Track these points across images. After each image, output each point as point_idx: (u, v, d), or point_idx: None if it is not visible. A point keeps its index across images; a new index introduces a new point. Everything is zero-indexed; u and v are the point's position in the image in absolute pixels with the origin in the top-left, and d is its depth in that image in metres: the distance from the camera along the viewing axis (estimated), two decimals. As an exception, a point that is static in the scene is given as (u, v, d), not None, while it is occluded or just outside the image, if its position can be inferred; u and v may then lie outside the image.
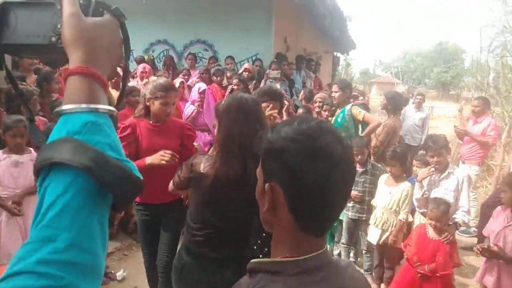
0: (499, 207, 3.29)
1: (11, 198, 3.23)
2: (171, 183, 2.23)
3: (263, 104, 2.77)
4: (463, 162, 5.79)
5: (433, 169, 3.48)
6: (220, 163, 1.89)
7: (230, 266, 2.01)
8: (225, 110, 1.95)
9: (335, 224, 4.51)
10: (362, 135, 4.62)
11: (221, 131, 1.94)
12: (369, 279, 4.06)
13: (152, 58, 7.32)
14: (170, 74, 7.11)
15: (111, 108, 0.62)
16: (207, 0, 7.55)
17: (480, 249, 3.04)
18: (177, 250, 2.27)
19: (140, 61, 7.18)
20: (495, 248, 2.97)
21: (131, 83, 6.27)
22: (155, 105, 2.68)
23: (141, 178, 0.60)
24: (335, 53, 16.05)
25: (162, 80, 2.80)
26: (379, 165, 4.21)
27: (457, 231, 5.03)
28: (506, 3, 9.96)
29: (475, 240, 4.55)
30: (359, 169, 4.09)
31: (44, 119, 4.01)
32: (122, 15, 0.71)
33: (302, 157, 0.82)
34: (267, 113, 2.69)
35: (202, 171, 1.96)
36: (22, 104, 3.42)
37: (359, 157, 4.04)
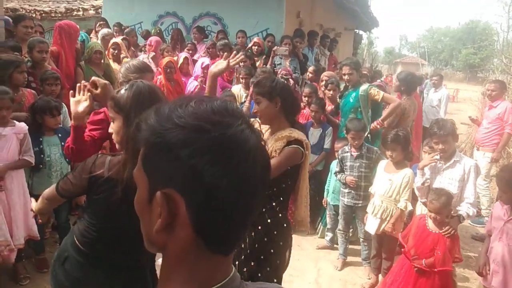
0: (497, 202, 3.02)
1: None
2: (49, 190, 1.82)
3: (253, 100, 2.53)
4: (478, 149, 5.46)
5: (437, 156, 3.21)
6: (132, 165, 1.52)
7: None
8: (137, 102, 1.64)
9: (326, 211, 4.34)
10: (380, 119, 4.36)
11: (129, 127, 1.61)
12: (367, 269, 3.89)
13: (158, 31, 7.09)
14: (178, 48, 6.90)
15: None
16: (218, -29, 7.24)
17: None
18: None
19: (146, 36, 6.97)
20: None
21: (140, 56, 6.11)
22: None
23: None
24: (356, 31, 15.45)
25: (135, 61, 2.57)
26: (375, 148, 3.98)
27: (468, 221, 4.80)
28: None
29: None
30: (353, 153, 3.87)
31: (33, 91, 3.87)
32: None
33: (212, 154, 0.60)
34: (253, 111, 2.48)
35: (106, 175, 1.60)
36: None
37: (356, 142, 3.82)
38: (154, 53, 6.05)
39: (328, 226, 4.32)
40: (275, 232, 2.36)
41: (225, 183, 0.60)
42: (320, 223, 4.63)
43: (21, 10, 9.26)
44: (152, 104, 1.61)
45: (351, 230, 4.20)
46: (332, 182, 4.25)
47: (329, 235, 4.34)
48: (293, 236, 4.45)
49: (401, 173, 3.51)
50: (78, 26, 4.85)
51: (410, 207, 3.55)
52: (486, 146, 5.32)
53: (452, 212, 3.04)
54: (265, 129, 2.46)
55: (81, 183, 1.67)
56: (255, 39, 6.39)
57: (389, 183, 3.54)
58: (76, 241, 1.74)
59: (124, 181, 1.46)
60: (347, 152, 3.93)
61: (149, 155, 0.64)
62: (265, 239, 2.34)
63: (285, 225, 2.42)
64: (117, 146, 1.77)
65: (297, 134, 2.34)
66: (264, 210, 2.34)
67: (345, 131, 4.01)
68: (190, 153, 0.59)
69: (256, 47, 6.32)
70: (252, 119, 2.45)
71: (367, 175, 3.84)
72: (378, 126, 4.35)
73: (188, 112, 0.63)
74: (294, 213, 2.58)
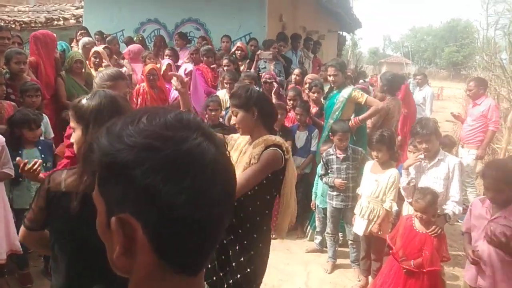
0: (476, 199, 3.01)
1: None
2: (21, 233, 1.66)
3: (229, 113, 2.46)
4: (462, 146, 5.50)
5: (421, 156, 3.21)
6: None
7: None
8: (96, 112, 1.57)
9: (314, 214, 4.32)
10: (359, 118, 4.36)
11: (88, 137, 1.54)
12: (356, 271, 3.87)
13: (140, 38, 7.04)
14: (161, 55, 6.84)
15: None
16: (198, -23, 7.22)
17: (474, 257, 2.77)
18: None
19: (128, 42, 6.91)
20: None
21: (124, 68, 6.04)
22: None
23: None
24: (340, 32, 15.54)
25: (109, 69, 2.53)
26: (359, 148, 3.98)
27: (457, 219, 4.81)
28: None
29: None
30: (339, 155, 3.86)
31: (13, 103, 3.79)
32: None
33: (165, 172, 0.56)
34: (232, 123, 2.46)
35: (63, 188, 1.51)
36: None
37: (343, 143, 3.81)
38: (127, 60, 5.99)
39: (317, 229, 4.30)
40: (260, 245, 2.35)
41: (181, 200, 0.56)
42: (309, 226, 4.61)
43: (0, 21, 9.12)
44: (113, 115, 1.58)
45: (340, 234, 4.18)
46: (320, 184, 4.23)
47: (318, 238, 4.32)
48: (283, 240, 4.48)
49: (387, 173, 3.51)
50: (55, 35, 4.78)
51: (395, 207, 3.55)
52: (471, 144, 5.36)
53: (438, 211, 3.04)
54: (245, 139, 2.43)
55: (41, 203, 1.56)
56: (238, 44, 6.38)
57: (375, 184, 3.54)
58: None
59: (80, 194, 1.36)
60: (332, 154, 3.91)
61: (103, 177, 0.61)
62: (252, 252, 2.32)
63: (267, 234, 2.41)
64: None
65: (275, 138, 2.30)
66: (248, 225, 2.31)
67: (330, 133, 4.00)
68: (142, 174, 0.56)
69: (239, 52, 6.30)
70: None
71: (354, 176, 3.83)
72: (355, 124, 4.34)
73: (139, 129, 0.60)
74: (277, 220, 2.52)
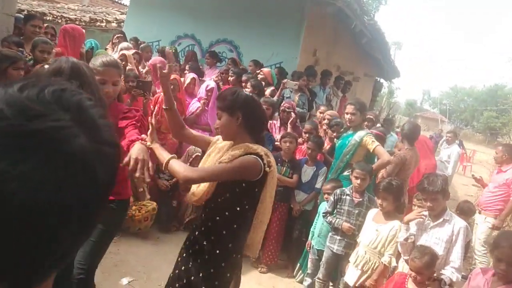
0: (478, 268, 2.75)
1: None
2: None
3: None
4: (479, 212, 5.18)
5: (425, 212, 2.99)
6: None
7: None
8: (55, 74, 1.64)
9: (308, 254, 4.09)
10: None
11: None
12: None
13: (174, 50, 7.14)
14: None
15: None
16: (240, 0, 7.32)
17: None
18: None
19: (161, 52, 7.01)
20: None
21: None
22: None
23: None
24: (377, 78, 15.41)
25: (106, 57, 2.42)
26: (375, 198, 3.74)
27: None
28: None
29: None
30: (355, 198, 3.65)
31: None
32: None
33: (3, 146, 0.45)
34: (214, 126, 2.32)
35: None
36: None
37: (359, 182, 3.59)
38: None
39: (309, 271, 4.05)
40: (223, 264, 2.11)
41: (23, 194, 0.44)
42: (300, 269, 4.35)
43: (48, 14, 9.52)
44: (72, 79, 1.57)
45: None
46: (318, 225, 4.02)
47: (308, 280, 4.06)
48: (270, 275, 4.27)
49: (389, 224, 3.30)
50: (83, 30, 4.90)
51: (394, 263, 3.31)
52: (489, 211, 5.05)
53: (434, 275, 2.80)
54: (228, 144, 2.25)
55: None
56: (264, 70, 6.34)
57: (375, 234, 3.33)
58: None
59: None
60: (348, 195, 3.67)
61: None
62: (211, 270, 2.10)
63: (233, 254, 2.16)
64: None
65: (258, 147, 2.10)
66: (213, 238, 2.11)
67: (350, 171, 3.80)
68: None
69: (261, 76, 6.22)
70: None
71: (361, 224, 3.57)
72: None
73: (4, 92, 0.49)
74: (248, 236, 2.26)
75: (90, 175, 0.50)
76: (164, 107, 2.39)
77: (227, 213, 2.10)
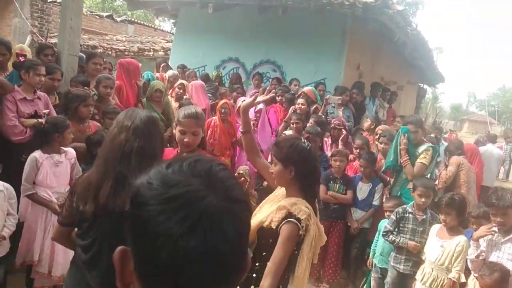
0: None
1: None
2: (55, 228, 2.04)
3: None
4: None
5: (495, 228, 2.93)
6: None
7: None
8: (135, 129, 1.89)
9: (370, 273, 4.06)
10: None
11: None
12: None
13: (220, 75, 7.39)
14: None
15: None
16: (280, 21, 7.48)
17: None
18: None
19: (204, 78, 7.20)
20: None
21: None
22: (176, 132, 2.55)
23: None
24: (420, 85, 15.08)
25: (192, 108, 2.60)
26: (437, 215, 3.68)
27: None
28: None
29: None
30: (418, 216, 3.61)
31: (98, 124, 4.10)
32: None
33: (154, 207, 0.59)
34: (270, 170, 2.34)
35: None
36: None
37: (423, 200, 3.57)
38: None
39: (372, 290, 4.03)
40: None
41: (164, 242, 0.57)
42: (364, 287, 4.33)
43: (99, 47, 10.10)
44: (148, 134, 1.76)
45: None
46: (380, 242, 3.98)
47: (372, 299, 4.04)
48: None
49: (455, 240, 3.24)
50: (139, 64, 5.17)
51: (463, 279, 3.24)
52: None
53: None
54: (283, 192, 2.27)
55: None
56: (305, 89, 6.37)
57: (441, 250, 3.28)
58: None
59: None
60: (411, 213, 3.63)
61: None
62: None
63: None
64: None
65: (299, 209, 2.04)
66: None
67: (411, 188, 3.80)
68: (141, 206, 0.60)
69: (306, 98, 6.20)
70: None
71: (426, 242, 3.52)
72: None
73: (156, 170, 0.65)
74: None
75: (217, 226, 0.60)
76: (241, 130, 2.59)
77: (257, 264, 2.07)
